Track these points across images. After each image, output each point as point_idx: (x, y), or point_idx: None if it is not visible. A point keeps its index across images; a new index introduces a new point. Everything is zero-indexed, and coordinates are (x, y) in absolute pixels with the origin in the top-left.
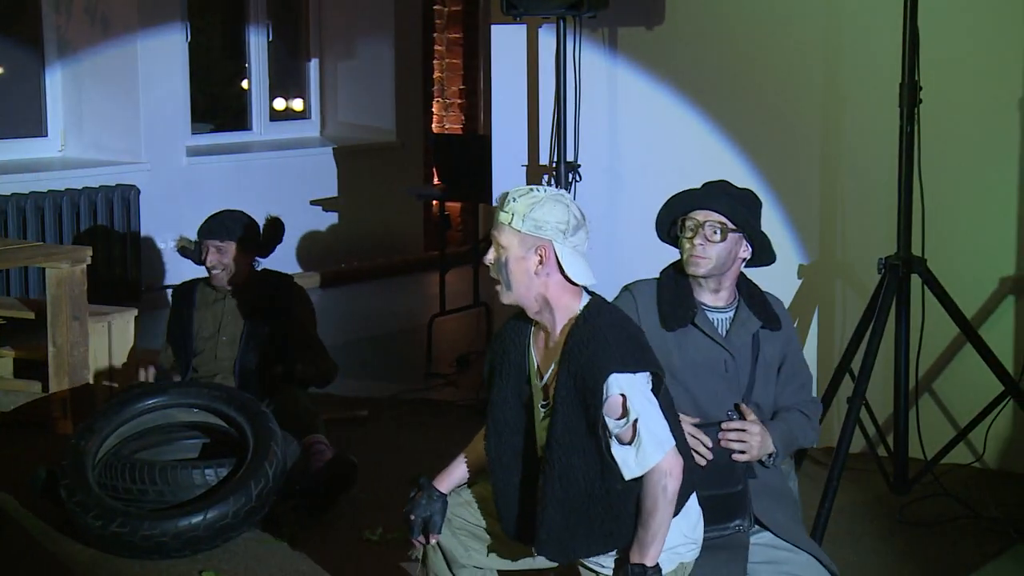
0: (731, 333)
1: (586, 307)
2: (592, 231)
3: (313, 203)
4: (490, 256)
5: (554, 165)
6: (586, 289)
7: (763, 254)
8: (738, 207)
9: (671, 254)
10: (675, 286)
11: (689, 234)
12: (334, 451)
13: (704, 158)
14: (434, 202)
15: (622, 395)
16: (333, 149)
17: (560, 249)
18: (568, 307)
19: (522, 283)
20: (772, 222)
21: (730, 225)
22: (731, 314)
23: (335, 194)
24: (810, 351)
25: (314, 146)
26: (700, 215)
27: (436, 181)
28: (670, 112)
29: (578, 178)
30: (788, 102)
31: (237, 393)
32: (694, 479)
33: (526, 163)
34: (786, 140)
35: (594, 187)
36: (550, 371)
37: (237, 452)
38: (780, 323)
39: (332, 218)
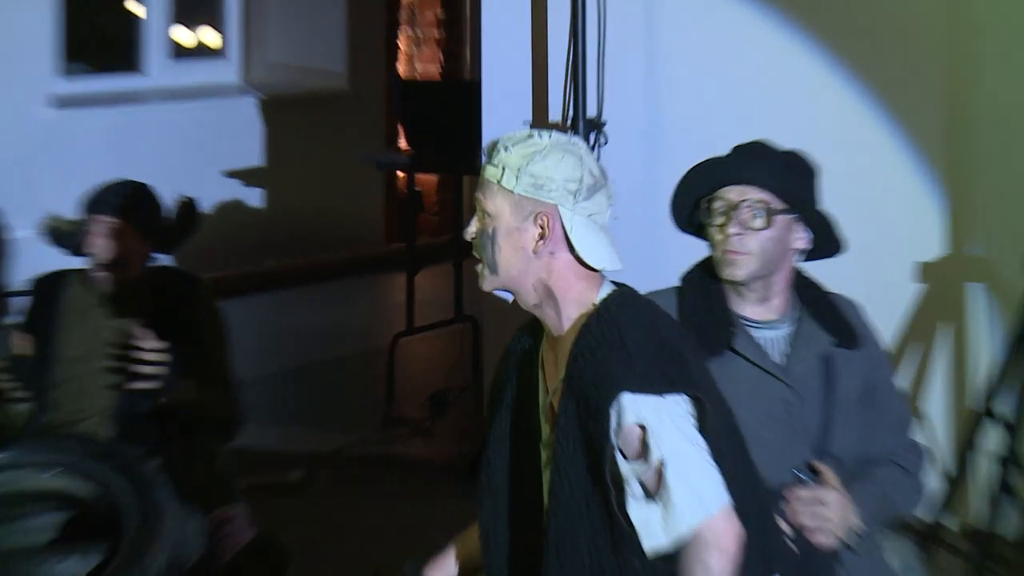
0: (791, 358)
1: (604, 300)
2: (621, 209)
3: (229, 175)
4: (472, 227)
5: (569, 123)
6: (609, 279)
7: (825, 241)
8: (786, 176)
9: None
10: (704, 296)
11: (719, 220)
12: (255, 531)
13: (780, 114)
14: (400, 174)
15: (640, 426)
16: (259, 100)
17: (569, 218)
18: (579, 300)
19: (514, 264)
20: (873, 201)
21: (777, 204)
22: (788, 330)
23: (260, 163)
24: (935, 387)
25: (231, 95)
26: (733, 192)
27: (403, 145)
28: (734, 49)
29: (603, 141)
30: (901, 28)
31: (114, 447)
32: (773, 565)
33: (530, 119)
34: (897, 82)
35: (625, 153)
36: (555, 392)
37: (111, 534)
38: (859, 338)
39: (255, 196)
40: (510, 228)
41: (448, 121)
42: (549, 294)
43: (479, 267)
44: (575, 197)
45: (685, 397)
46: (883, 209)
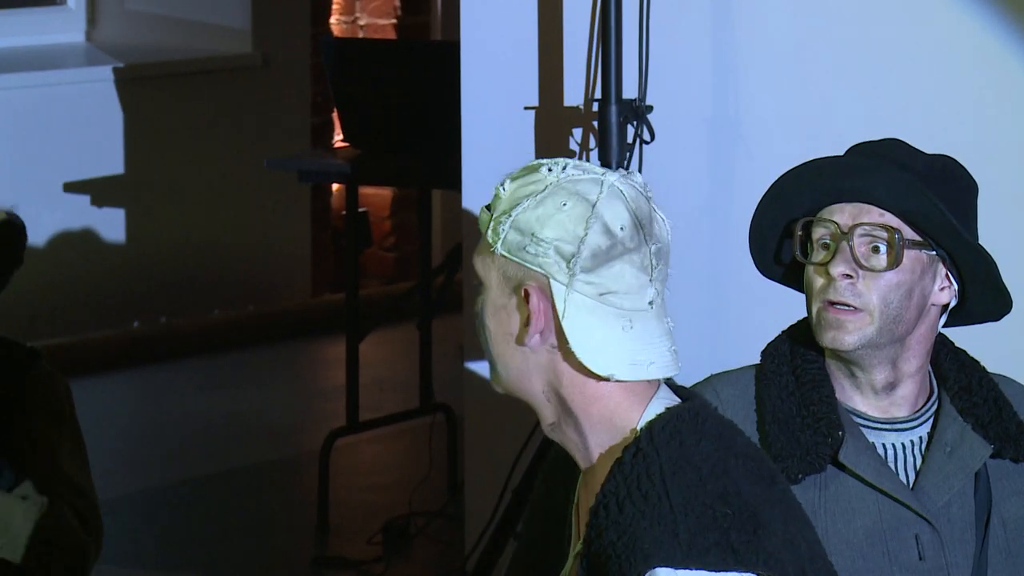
0: (927, 476)
1: (649, 425)
2: (679, 242)
3: (71, 188)
4: (474, 305)
5: (595, 109)
6: (674, 389)
7: (986, 293)
8: (927, 192)
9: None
10: (795, 382)
11: (821, 256)
12: None
13: (915, 98)
14: (335, 188)
15: None
16: (114, 72)
17: (562, 296)
18: (610, 420)
19: (509, 361)
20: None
21: (910, 235)
22: (923, 433)
23: (117, 169)
24: None
25: (71, 62)
26: (843, 214)
27: (338, 140)
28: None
29: (647, 136)
30: None
31: None
32: None
33: (535, 104)
34: None
35: (679, 153)
36: (571, 566)
37: None
38: None
39: (112, 222)
40: (496, 306)
41: (408, 104)
42: (565, 409)
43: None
44: (570, 265)
45: None
46: None
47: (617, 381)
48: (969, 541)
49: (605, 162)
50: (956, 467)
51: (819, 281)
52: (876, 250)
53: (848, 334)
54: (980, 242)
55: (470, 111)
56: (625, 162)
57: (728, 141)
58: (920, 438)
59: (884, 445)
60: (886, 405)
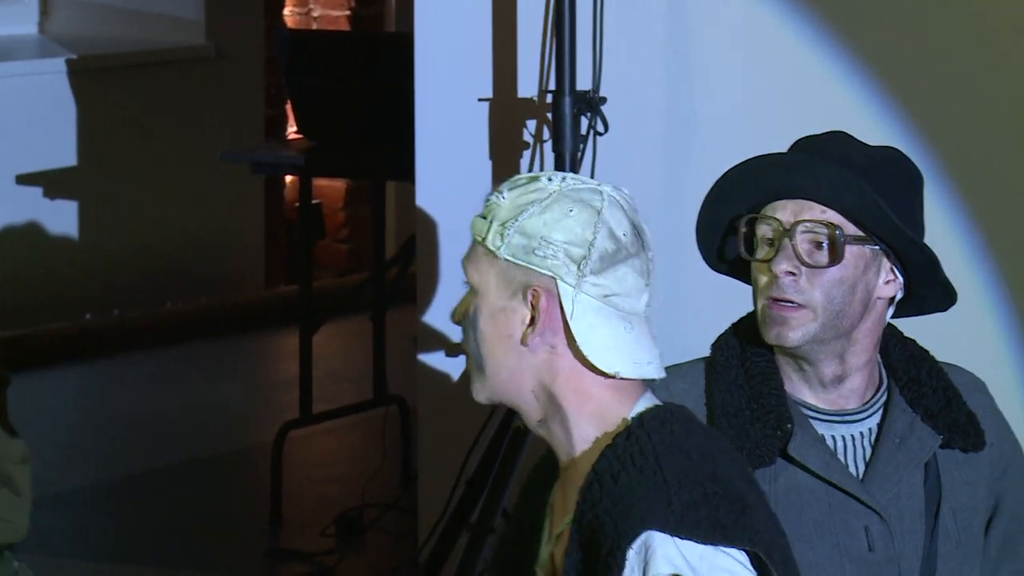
0: (877, 468)
1: (640, 416)
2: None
3: (24, 181)
4: (458, 306)
5: (549, 100)
6: (650, 390)
7: (930, 286)
8: (868, 186)
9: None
10: (745, 375)
11: (763, 252)
12: None
13: (855, 96)
14: (288, 180)
15: None
16: (67, 64)
17: (570, 297)
18: (600, 416)
19: (503, 361)
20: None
21: (851, 230)
22: (872, 423)
23: (70, 161)
24: None
25: (23, 54)
26: (785, 211)
27: (292, 133)
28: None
29: (601, 128)
30: None
31: None
32: None
33: (489, 96)
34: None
35: (632, 146)
36: (556, 544)
37: None
38: (982, 434)
39: (64, 215)
40: (494, 308)
41: (362, 96)
42: (555, 407)
43: (469, 364)
44: (580, 267)
45: (742, 554)
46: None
47: (620, 379)
48: (918, 532)
49: (559, 153)
50: (905, 458)
51: (763, 278)
52: (818, 246)
53: (792, 330)
54: (931, 232)
55: (424, 103)
56: (579, 153)
57: (682, 132)
58: (869, 429)
59: (834, 437)
60: (835, 398)
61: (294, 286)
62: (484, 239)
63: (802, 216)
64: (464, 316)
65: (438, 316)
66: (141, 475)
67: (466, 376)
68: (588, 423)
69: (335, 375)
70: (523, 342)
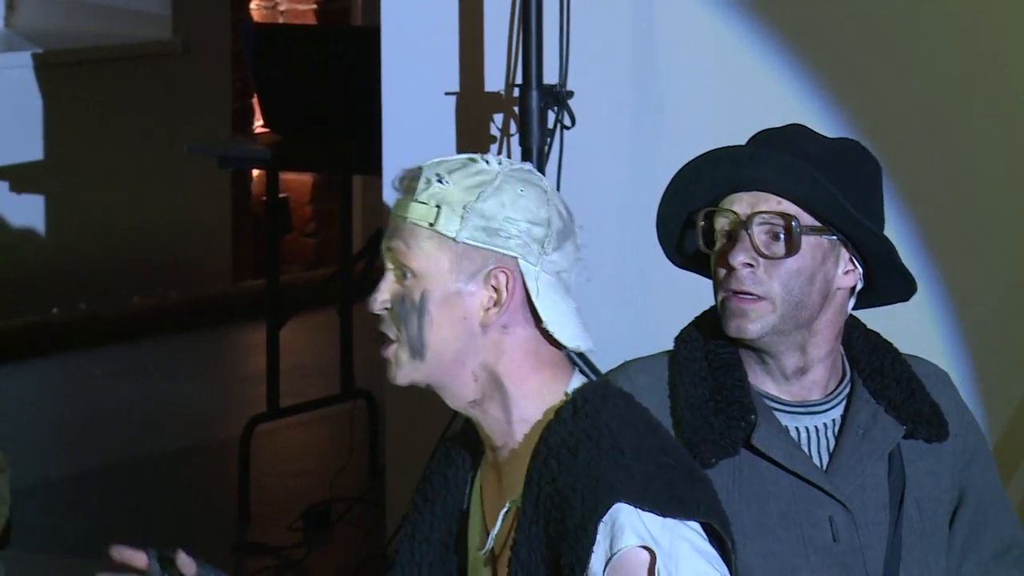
0: (839, 458)
1: (580, 391)
2: (592, 224)
3: None
4: (382, 294)
5: (516, 94)
6: (576, 361)
7: (890, 275)
8: (820, 180)
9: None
10: (709, 367)
11: (722, 244)
12: None
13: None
14: (255, 174)
15: (646, 549)
16: (33, 58)
17: (534, 276)
18: (540, 394)
19: (450, 344)
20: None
21: (808, 221)
22: (836, 415)
23: (35, 155)
24: None
25: None
26: (741, 203)
27: (259, 126)
28: None
29: (568, 122)
30: None
31: None
32: None
33: (456, 90)
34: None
35: (600, 140)
36: (500, 524)
37: None
38: (945, 424)
39: (31, 209)
40: (447, 292)
41: (329, 91)
42: (496, 386)
43: (391, 351)
44: (543, 247)
45: (698, 526)
46: (961, 222)
47: (567, 355)
48: (883, 522)
49: (526, 147)
50: (869, 449)
51: (721, 271)
52: (775, 237)
53: (751, 322)
54: (890, 223)
55: (391, 97)
56: (546, 147)
57: (649, 126)
58: (833, 421)
59: (797, 428)
60: (798, 389)
61: (261, 280)
62: (434, 223)
63: (758, 208)
64: (398, 303)
65: None
66: (108, 469)
67: None
68: (528, 401)
69: (302, 369)
70: (482, 323)
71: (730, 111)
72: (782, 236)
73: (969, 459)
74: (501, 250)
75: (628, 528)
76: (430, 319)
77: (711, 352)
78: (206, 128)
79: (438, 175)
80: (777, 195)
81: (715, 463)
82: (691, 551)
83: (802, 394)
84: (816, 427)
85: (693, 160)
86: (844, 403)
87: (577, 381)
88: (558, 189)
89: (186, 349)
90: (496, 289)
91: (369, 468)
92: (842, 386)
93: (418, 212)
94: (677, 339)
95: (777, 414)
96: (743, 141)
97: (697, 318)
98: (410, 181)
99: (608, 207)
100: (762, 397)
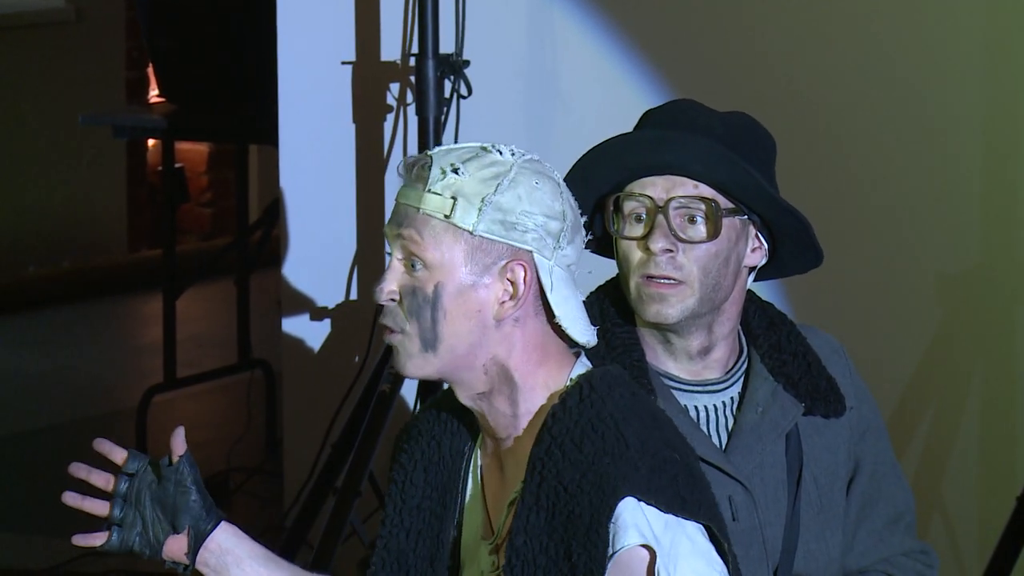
0: (738, 436)
1: (584, 377)
2: None
3: None
4: (389, 284)
5: (412, 63)
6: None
7: (798, 250)
8: (740, 163)
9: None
10: (606, 344)
11: (636, 230)
12: None
13: (716, 55)
14: (151, 143)
15: (647, 548)
16: None
17: (548, 270)
18: (545, 386)
19: (464, 337)
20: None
21: (725, 203)
22: (734, 393)
23: None
24: (961, 458)
25: None
26: (655, 187)
27: (154, 96)
28: None
29: (465, 91)
30: None
31: None
32: None
33: (352, 59)
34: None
35: (498, 108)
36: (505, 516)
37: None
38: (842, 399)
39: None
40: (462, 285)
41: (225, 59)
42: (506, 379)
43: (398, 340)
44: (558, 241)
45: (699, 527)
46: (876, 200)
47: (563, 345)
48: (781, 500)
49: (423, 117)
50: (768, 427)
51: (637, 255)
52: (692, 221)
53: (671, 307)
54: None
55: (287, 66)
56: (443, 117)
57: (545, 95)
58: (732, 399)
59: (696, 407)
60: (699, 368)
61: (157, 250)
62: (450, 216)
63: (675, 192)
64: (408, 294)
65: (302, 279)
66: (2, 439)
67: (332, 339)
68: (535, 393)
69: (199, 339)
70: (496, 317)
71: (624, 81)
72: (699, 220)
73: (864, 431)
74: (518, 244)
75: (631, 526)
76: (444, 312)
77: (607, 331)
78: (100, 98)
79: (453, 166)
80: (694, 179)
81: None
82: (691, 551)
83: (703, 373)
84: (715, 406)
85: (597, 146)
86: (742, 381)
87: (580, 368)
88: None
89: (82, 319)
90: (512, 283)
91: (266, 438)
92: (740, 363)
93: (433, 203)
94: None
95: (676, 394)
96: (635, 112)
97: (592, 294)
98: (420, 169)
99: None
100: (660, 376)
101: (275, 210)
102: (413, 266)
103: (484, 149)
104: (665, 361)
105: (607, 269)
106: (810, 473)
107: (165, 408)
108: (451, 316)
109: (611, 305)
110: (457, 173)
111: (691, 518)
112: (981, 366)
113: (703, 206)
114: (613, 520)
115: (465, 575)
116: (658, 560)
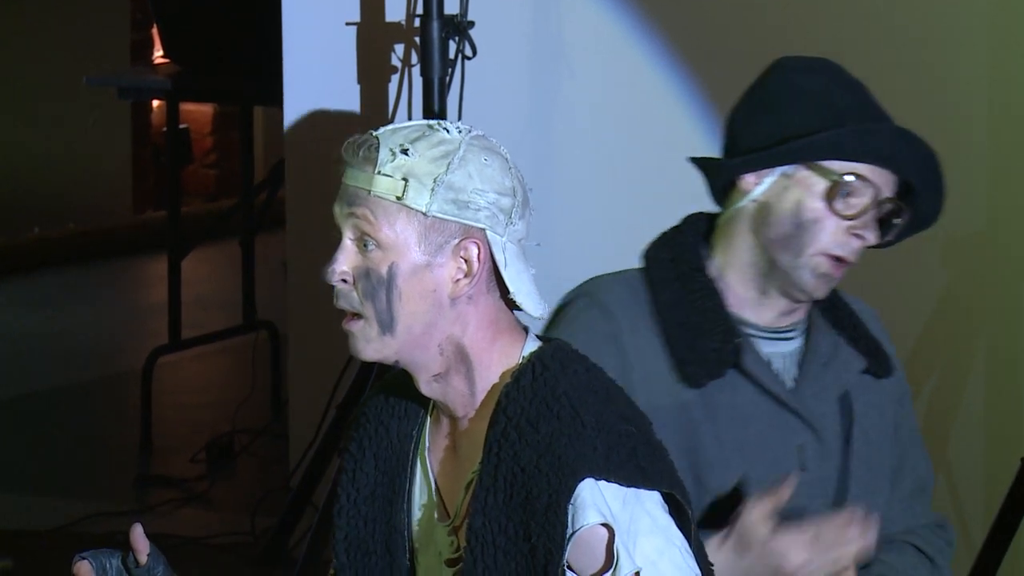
0: (804, 385)
1: (536, 354)
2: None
3: None
4: (340, 264)
5: (417, 24)
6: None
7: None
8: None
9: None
10: (683, 287)
11: (858, 215)
12: None
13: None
14: (155, 104)
15: (605, 527)
16: None
17: (501, 247)
18: (500, 363)
19: (419, 317)
20: None
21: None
22: (798, 344)
23: None
24: (965, 424)
25: None
26: (887, 183)
27: (159, 57)
28: None
29: (469, 52)
30: None
31: None
32: None
33: (357, 20)
34: None
35: (503, 69)
36: (463, 498)
37: None
38: (889, 360)
39: None
40: (416, 265)
41: (230, 20)
42: (461, 358)
43: (357, 326)
44: (510, 217)
45: (659, 496)
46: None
47: (514, 319)
48: (836, 454)
49: (428, 78)
50: (832, 379)
51: (834, 234)
52: (891, 221)
53: (831, 287)
54: None
55: (291, 27)
56: (448, 78)
57: (549, 57)
58: (798, 348)
59: (768, 355)
60: (778, 316)
61: (162, 211)
62: (402, 197)
63: (886, 194)
64: (361, 276)
65: (308, 241)
66: (8, 401)
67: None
68: (490, 371)
69: (204, 301)
70: (452, 295)
71: (631, 43)
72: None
73: (900, 396)
74: (471, 222)
75: (591, 505)
76: (399, 293)
77: (684, 275)
78: (105, 59)
79: (402, 146)
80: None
81: (705, 384)
82: (651, 527)
83: (776, 322)
84: (784, 355)
85: (899, 128)
86: (804, 334)
87: (532, 344)
88: (459, 119)
89: (87, 281)
90: (467, 261)
91: (271, 400)
92: (804, 316)
93: (384, 185)
94: (647, 257)
95: (756, 341)
96: (642, 70)
97: (661, 243)
98: (368, 151)
99: (510, 137)
100: (742, 321)
101: (280, 171)
102: (366, 245)
103: (430, 127)
104: (743, 307)
105: (555, 241)
106: (861, 429)
107: (170, 369)
108: (406, 297)
109: (688, 258)
110: (407, 154)
111: (654, 487)
112: (987, 328)
113: (893, 206)
114: (572, 501)
115: (421, 558)
116: (616, 538)
